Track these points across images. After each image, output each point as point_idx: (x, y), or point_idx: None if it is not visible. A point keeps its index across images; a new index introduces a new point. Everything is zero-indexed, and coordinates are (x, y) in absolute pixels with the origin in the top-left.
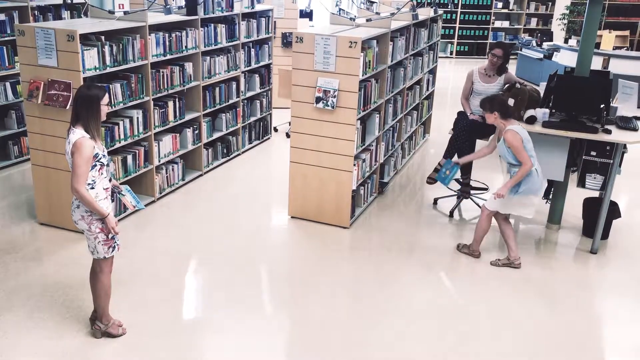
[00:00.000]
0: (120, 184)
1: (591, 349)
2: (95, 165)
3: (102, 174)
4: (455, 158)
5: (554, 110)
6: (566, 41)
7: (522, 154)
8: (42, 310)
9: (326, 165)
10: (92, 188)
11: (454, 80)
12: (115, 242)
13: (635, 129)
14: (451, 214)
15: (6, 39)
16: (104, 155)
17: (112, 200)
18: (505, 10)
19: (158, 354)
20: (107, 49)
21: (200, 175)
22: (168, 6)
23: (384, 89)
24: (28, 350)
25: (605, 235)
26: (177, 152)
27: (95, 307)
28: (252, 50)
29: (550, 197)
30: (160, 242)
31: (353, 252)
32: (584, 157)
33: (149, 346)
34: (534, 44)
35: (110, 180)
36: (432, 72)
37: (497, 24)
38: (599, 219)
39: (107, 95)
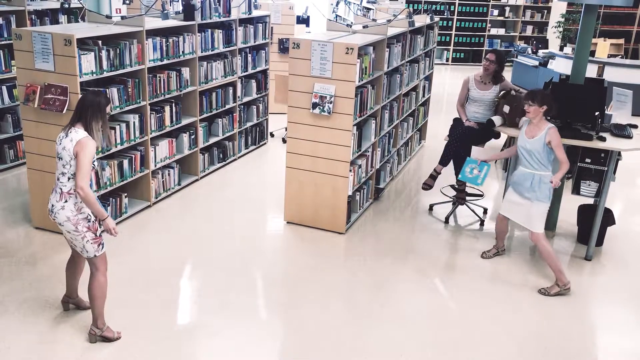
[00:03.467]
0: (114, 189)
1: (585, 355)
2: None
3: (90, 178)
4: (477, 154)
5: (549, 118)
6: (561, 49)
7: (563, 151)
8: (36, 315)
9: (322, 170)
10: None
11: (450, 87)
12: (102, 240)
13: (629, 137)
14: (446, 220)
15: (3, 42)
16: (96, 160)
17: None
18: (501, 18)
19: (153, 359)
20: (104, 53)
21: (196, 180)
22: (165, 11)
23: (380, 95)
24: (22, 355)
25: (599, 242)
26: (173, 156)
27: (91, 309)
28: (249, 55)
29: None
30: (155, 246)
31: (348, 257)
32: (578, 164)
33: (144, 351)
34: (530, 52)
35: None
36: (428, 78)
37: (493, 31)
38: (593, 225)
39: (110, 103)
